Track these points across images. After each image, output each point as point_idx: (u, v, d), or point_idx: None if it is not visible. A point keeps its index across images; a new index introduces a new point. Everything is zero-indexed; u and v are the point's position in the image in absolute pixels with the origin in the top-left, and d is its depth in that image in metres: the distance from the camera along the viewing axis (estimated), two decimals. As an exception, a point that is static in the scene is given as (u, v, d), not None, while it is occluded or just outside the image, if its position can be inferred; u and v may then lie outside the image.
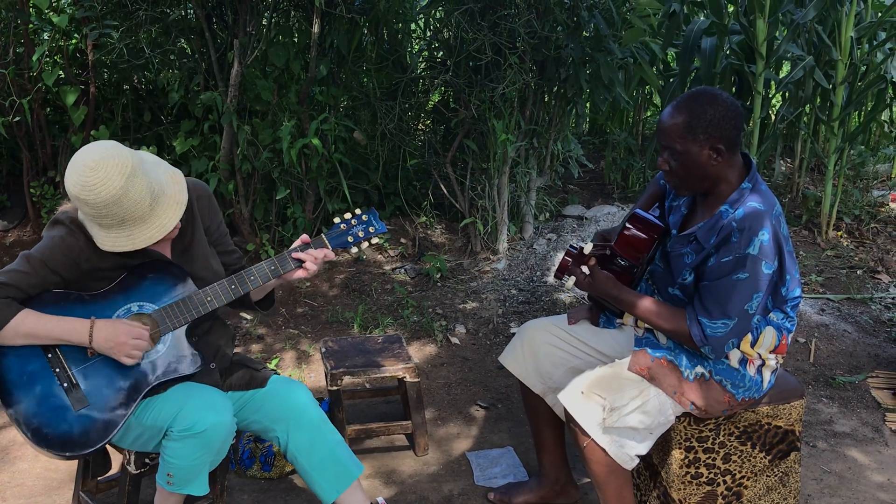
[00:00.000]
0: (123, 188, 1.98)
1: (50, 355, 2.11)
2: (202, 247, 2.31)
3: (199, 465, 2.14)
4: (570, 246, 2.47)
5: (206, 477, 2.18)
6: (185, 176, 2.21)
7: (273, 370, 2.50)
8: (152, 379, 2.16)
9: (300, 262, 2.28)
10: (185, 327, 2.20)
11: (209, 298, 2.20)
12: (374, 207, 2.88)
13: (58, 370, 2.11)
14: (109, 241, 2.06)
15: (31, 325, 2.06)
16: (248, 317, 4.10)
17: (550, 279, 4.43)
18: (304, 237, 2.31)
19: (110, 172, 1.98)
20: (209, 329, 2.32)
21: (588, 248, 2.41)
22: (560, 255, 4.66)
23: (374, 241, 2.36)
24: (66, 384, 2.10)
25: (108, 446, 2.37)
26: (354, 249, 2.35)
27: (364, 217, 2.36)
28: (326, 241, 2.31)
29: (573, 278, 2.42)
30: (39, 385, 2.09)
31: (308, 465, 2.30)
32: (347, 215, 2.36)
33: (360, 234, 2.34)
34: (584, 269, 2.42)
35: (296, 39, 4.65)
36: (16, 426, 2.08)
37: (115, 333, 2.09)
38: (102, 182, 1.97)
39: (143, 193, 2.02)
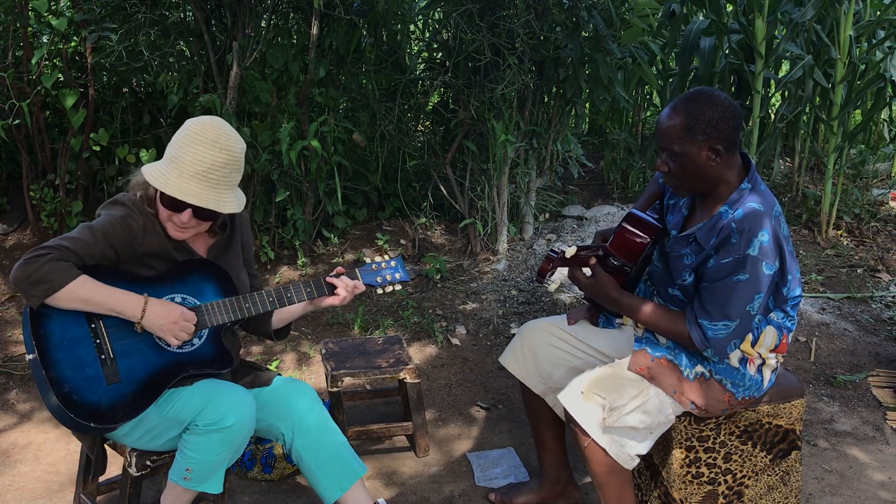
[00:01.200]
0: (234, 149, 2.22)
1: (93, 325, 2.15)
2: (236, 257, 2.42)
3: (219, 461, 2.17)
4: (551, 250, 2.46)
5: (222, 474, 2.22)
6: None
7: (276, 372, 2.52)
8: (184, 370, 2.21)
9: (333, 289, 2.41)
10: (218, 326, 2.28)
11: (247, 305, 2.29)
12: (379, 210, 2.92)
13: (98, 341, 2.15)
14: (157, 170, 2.17)
15: (88, 291, 2.10)
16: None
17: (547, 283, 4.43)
18: (339, 269, 2.45)
19: (240, 141, 2.26)
20: (224, 334, 2.37)
21: (571, 251, 2.39)
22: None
23: (397, 287, 2.51)
24: (103, 356, 2.14)
25: (108, 448, 2.39)
26: (379, 290, 2.50)
27: (392, 263, 2.52)
28: (359, 275, 2.47)
29: (558, 281, 2.41)
30: (78, 352, 2.13)
31: (313, 464, 2.32)
32: (378, 258, 2.52)
33: (388, 278, 2.50)
34: (586, 270, 2.41)
35: (294, 41, 4.65)
36: (44, 388, 2.09)
37: (168, 313, 2.16)
38: (235, 137, 2.23)
39: (231, 171, 2.23)
